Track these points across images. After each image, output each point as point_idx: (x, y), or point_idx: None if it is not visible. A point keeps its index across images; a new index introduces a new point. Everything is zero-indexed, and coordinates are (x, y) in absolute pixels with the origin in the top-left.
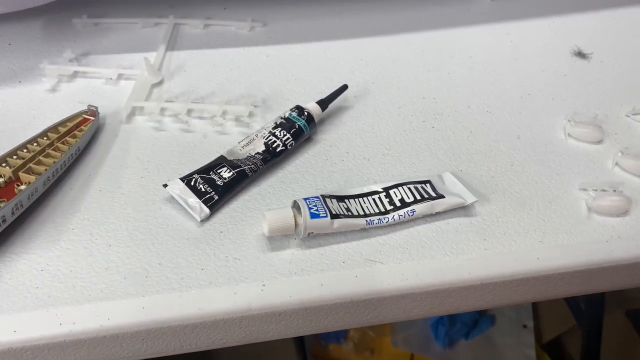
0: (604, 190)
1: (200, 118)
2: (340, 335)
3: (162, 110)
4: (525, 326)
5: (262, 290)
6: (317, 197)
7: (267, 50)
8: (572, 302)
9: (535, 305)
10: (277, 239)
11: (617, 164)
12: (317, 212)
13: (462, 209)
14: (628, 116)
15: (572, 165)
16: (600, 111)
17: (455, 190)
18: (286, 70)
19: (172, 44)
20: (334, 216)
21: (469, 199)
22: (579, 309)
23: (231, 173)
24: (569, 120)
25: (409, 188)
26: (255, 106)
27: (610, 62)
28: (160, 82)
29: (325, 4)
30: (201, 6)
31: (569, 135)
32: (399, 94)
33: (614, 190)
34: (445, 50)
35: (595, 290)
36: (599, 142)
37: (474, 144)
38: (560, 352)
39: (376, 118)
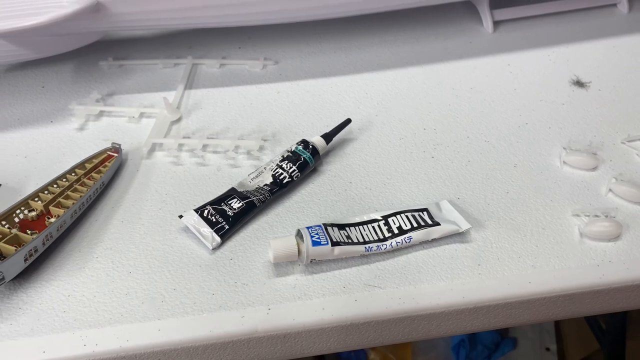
0: (596, 216)
1: (215, 152)
2: (360, 357)
3: (180, 146)
4: (548, 349)
5: (267, 313)
6: (319, 226)
7: (278, 87)
8: (594, 324)
9: (558, 328)
10: (283, 265)
11: (610, 190)
12: (318, 240)
13: (457, 236)
14: (623, 143)
15: (566, 192)
16: (596, 139)
17: (451, 218)
18: (295, 105)
19: (190, 83)
20: (335, 244)
21: (464, 226)
22: (602, 331)
23: (241, 204)
24: (564, 148)
25: (407, 216)
26: (265, 140)
27: (608, 90)
28: (179, 120)
29: (333, 41)
30: (218, 46)
31: (564, 163)
32: (401, 125)
33: (606, 216)
34: (446, 82)
35: (589, 313)
36: (594, 169)
37: (471, 173)
38: None
39: (378, 149)
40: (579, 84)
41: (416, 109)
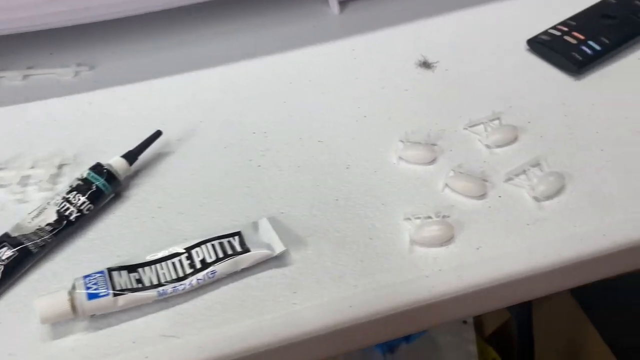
0: (429, 218)
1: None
2: None
3: None
4: (465, 322)
5: None
6: (101, 272)
7: (91, 97)
8: None
9: None
10: (63, 323)
11: (447, 185)
12: (96, 292)
13: (274, 260)
14: (466, 129)
15: (400, 192)
16: (437, 126)
17: (266, 240)
18: (107, 117)
19: None
20: (118, 293)
21: (278, 248)
22: None
23: (12, 253)
24: (401, 141)
25: (213, 245)
26: (62, 165)
27: (455, 69)
28: None
29: (161, 37)
30: (26, 54)
31: (400, 158)
32: (228, 131)
33: (441, 217)
34: (283, 75)
35: (427, 327)
36: (432, 162)
37: (300, 181)
38: (503, 342)
39: (199, 162)
40: (425, 65)
41: (248, 110)
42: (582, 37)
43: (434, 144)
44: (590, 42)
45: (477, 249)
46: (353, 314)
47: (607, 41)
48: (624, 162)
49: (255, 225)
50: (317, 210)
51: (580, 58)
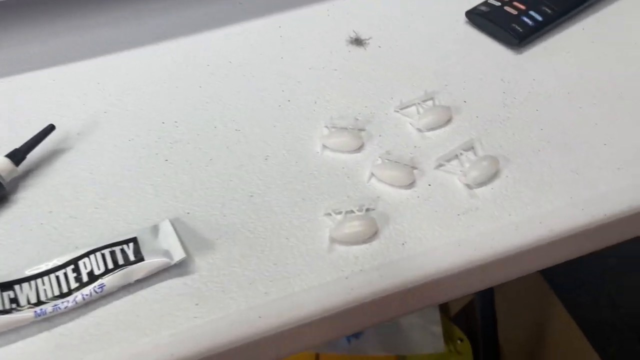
0: (351, 212)
1: None
2: None
3: None
4: None
5: None
6: None
7: None
8: None
9: None
10: None
11: (373, 174)
12: None
13: (175, 268)
14: (397, 111)
15: (322, 184)
16: (367, 110)
17: (166, 246)
18: None
19: None
20: None
21: (177, 255)
22: None
23: None
24: (326, 127)
25: (103, 255)
26: None
27: (389, 46)
28: None
29: (59, 20)
30: None
31: (324, 146)
32: (135, 122)
33: (364, 210)
34: (201, 58)
35: (351, 332)
36: (359, 149)
37: (212, 175)
38: (470, 321)
39: (98, 159)
40: (357, 42)
41: (158, 97)
42: (522, 7)
43: (361, 129)
44: (532, 13)
45: (403, 244)
46: (263, 325)
47: (549, 11)
48: (565, 141)
49: (155, 229)
50: (229, 208)
51: (521, 30)
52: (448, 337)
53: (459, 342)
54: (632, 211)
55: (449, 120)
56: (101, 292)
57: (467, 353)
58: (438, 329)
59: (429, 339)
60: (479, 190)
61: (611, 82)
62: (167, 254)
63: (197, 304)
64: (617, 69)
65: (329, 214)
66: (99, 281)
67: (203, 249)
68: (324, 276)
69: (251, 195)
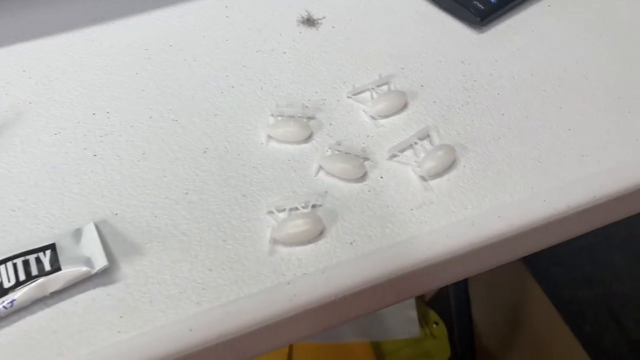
0: (295, 210)
1: None
2: None
3: None
4: None
5: None
6: None
7: None
8: None
9: None
10: None
11: (321, 167)
12: None
13: (98, 277)
14: (349, 97)
15: (266, 179)
16: (317, 95)
17: (88, 252)
18: None
19: None
20: None
21: (99, 263)
22: None
23: None
24: (272, 116)
25: (15, 265)
26: None
27: (344, 26)
28: None
29: None
30: None
31: (269, 137)
32: (63, 113)
33: (310, 207)
34: (137, 41)
35: (293, 340)
36: (307, 139)
37: (144, 171)
38: (443, 304)
39: (19, 155)
40: (309, 22)
41: (90, 85)
42: None
43: (311, 118)
44: None
45: (351, 243)
46: (194, 339)
47: None
48: (527, 127)
49: (77, 234)
50: (161, 208)
51: (483, 7)
52: (424, 321)
53: (434, 325)
54: (596, 201)
55: (404, 107)
56: (11, 307)
57: (443, 336)
58: (413, 314)
59: (404, 323)
60: (434, 183)
61: (577, 63)
62: (88, 262)
63: (121, 317)
64: (583, 48)
65: (272, 212)
66: (9, 296)
67: (130, 255)
68: (264, 282)
69: (186, 193)
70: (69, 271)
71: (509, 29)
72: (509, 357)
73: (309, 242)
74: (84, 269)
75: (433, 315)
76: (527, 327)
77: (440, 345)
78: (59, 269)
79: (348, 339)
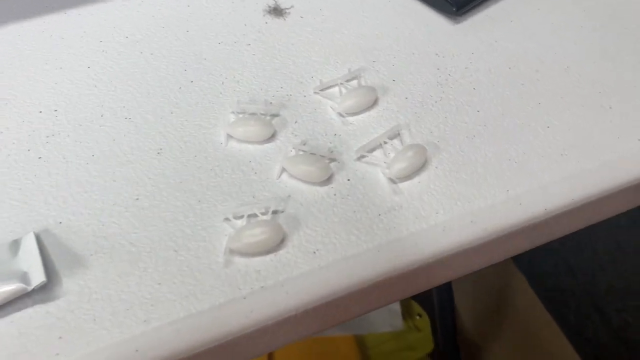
0: (254, 216)
1: None
2: None
3: None
4: None
5: None
6: None
7: None
8: None
9: None
10: None
11: (284, 169)
12: None
13: (37, 293)
14: (316, 93)
15: (224, 183)
16: (283, 91)
17: (26, 266)
18: None
19: None
20: None
21: (35, 279)
22: None
23: None
24: (233, 113)
25: None
26: None
27: (312, 16)
28: None
29: None
30: None
31: (229, 136)
32: (7, 112)
33: (270, 213)
34: (92, 32)
35: (255, 357)
36: (270, 139)
37: (92, 175)
38: (429, 294)
39: None
40: (276, 11)
41: (37, 81)
42: None
43: (275, 115)
44: None
45: (314, 252)
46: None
47: None
48: (503, 124)
49: (15, 245)
50: (109, 216)
51: None
52: (407, 314)
53: (417, 317)
54: (575, 204)
55: (374, 103)
56: None
57: (426, 328)
58: (396, 306)
59: (387, 317)
60: (404, 185)
61: (557, 55)
62: (24, 277)
63: (60, 338)
64: (564, 40)
65: (228, 220)
66: None
67: (74, 268)
68: (218, 297)
69: (137, 199)
70: (1, 289)
71: (487, 19)
72: (492, 347)
73: (268, 252)
74: (19, 285)
75: (416, 307)
76: (511, 317)
77: (423, 338)
78: None
79: (331, 333)
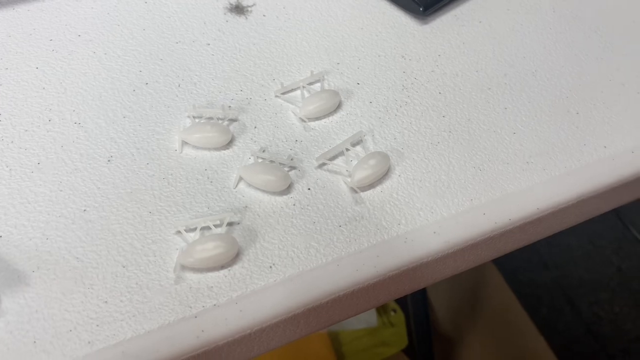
0: (208, 229)
1: None
2: None
3: None
4: None
5: None
6: None
7: None
8: None
9: None
10: None
11: (241, 178)
12: None
13: None
14: (278, 97)
15: (178, 192)
16: (242, 94)
17: None
18: None
19: None
20: None
21: None
22: None
23: None
24: (189, 117)
25: None
26: None
27: (275, 15)
28: None
29: None
30: None
31: (184, 142)
32: None
33: (224, 225)
34: (42, 31)
35: None
36: (227, 146)
37: (37, 185)
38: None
39: None
40: (237, 9)
41: None
42: None
43: (233, 120)
44: None
45: (270, 267)
46: None
47: None
48: (468, 130)
49: None
50: (54, 228)
51: None
52: (382, 309)
53: (392, 313)
54: (540, 213)
55: (338, 107)
56: None
57: (401, 324)
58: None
59: (362, 314)
60: (365, 194)
61: (525, 58)
62: None
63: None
64: (533, 42)
65: (180, 233)
66: None
67: (13, 286)
68: (167, 316)
69: (84, 210)
70: None
71: (455, 20)
72: (466, 341)
73: (222, 267)
74: None
75: (391, 302)
76: (485, 311)
77: (397, 333)
78: None
79: None
